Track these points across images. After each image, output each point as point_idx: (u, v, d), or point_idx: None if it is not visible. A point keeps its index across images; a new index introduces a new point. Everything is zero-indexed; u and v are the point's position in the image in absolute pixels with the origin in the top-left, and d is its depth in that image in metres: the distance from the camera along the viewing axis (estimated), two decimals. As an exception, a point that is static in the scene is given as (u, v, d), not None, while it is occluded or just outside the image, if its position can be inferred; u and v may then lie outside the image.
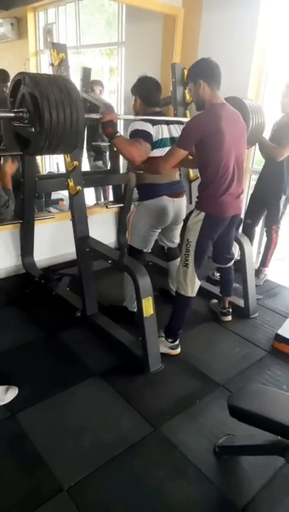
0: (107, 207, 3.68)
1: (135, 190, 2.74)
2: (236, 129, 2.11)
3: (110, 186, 4.16)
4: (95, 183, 4.07)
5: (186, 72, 3.17)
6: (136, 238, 2.59)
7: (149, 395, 2.10)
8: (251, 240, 3.38)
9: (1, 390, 1.97)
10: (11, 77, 1.98)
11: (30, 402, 1.98)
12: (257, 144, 3.04)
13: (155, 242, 2.72)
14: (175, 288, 2.77)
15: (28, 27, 5.50)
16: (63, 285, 3.06)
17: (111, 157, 3.85)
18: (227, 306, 2.82)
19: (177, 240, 2.82)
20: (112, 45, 5.23)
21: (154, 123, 2.31)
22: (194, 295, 2.31)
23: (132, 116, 2.41)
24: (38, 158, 4.73)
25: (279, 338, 2.54)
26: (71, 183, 2.48)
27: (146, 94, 2.40)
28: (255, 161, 3.59)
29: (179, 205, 2.60)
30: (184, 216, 2.62)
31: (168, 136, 2.40)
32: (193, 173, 3.37)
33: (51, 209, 4.38)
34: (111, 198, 4.07)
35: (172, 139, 2.40)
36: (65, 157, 2.46)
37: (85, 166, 4.29)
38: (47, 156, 5.57)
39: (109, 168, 3.92)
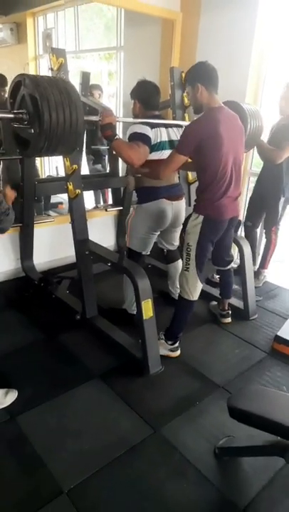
0: (106, 210, 3.70)
1: (134, 193, 2.75)
2: (234, 131, 2.13)
3: (110, 189, 4.18)
4: (95, 187, 4.09)
5: (183, 76, 3.20)
6: (135, 241, 2.60)
7: (149, 397, 2.10)
8: (254, 242, 3.38)
9: (1, 393, 1.97)
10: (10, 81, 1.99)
11: (30, 405, 1.98)
12: (255, 147, 3.06)
13: (154, 245, 2.73)
14: (175, 290, 2.79)
15: (27, 32, 5.53)
16: (63, 288, 3.07)
17: (110, 160, 3.87)
18: (227, 308, 2.83)
19: (176, 243, 2.83)
20: (110, 49, 5.26)
21: (152, 126, 2.33)
22: (196, 299, 2.32)
23: (130, 119, 2.43)
24: (38, 161, 4.75)
25: (279, 339, 2.55)
26: (70, 187, 2.50)
27: (146, 97, 2.42)
28: (253, 163, 3.60)
29: (178, 208, 2.61)
30: (182, 219, 2.63)
31: (166, 139, 2.42)
32: (192, 175, 3.38)
33: (50, 212, 4.39)
34: (110, 201, 4.09)
35: (171, 142, 2.42)
36: (64, 161, 2.47)
37: (84, 169, 4.30)
38: (46, 160, 5.60)
39: (108, 171, 3.94)
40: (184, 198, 2.69)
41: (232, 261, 2.66)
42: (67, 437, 1.83)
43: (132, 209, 2.69)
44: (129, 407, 2.02)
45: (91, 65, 6.04)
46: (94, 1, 3.97)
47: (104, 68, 6.12)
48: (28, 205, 3.00)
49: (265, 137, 3.01)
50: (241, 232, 3.37)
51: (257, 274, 3.32)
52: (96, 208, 4.25)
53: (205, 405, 2.07)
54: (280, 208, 3.20)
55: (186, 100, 3.24)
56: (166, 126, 2.45)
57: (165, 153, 2.31)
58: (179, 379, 2.25)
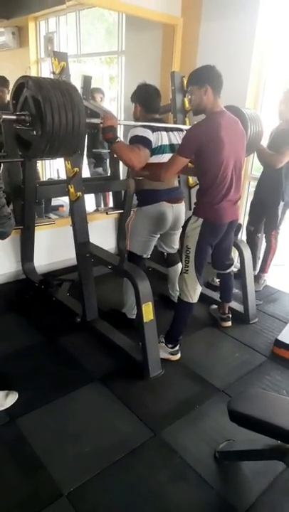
0: (107, 213, 3.71)
1: (135, 196, 2.76)
2: (235, 136, 2.14)
3: (110, 192, 4.19)
4: (96, 190, 4.10)
5: (185, 81, 3.22)
6: (135, 244, 2.60)
7: (149, 400, 2.10)
8: (255, 246, 3.39)
9: (1, 395, 1.97)
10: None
11: (30, 407, 1.98)
12: (255, 152, 3.07)
13: (154, 248, 2.74)
14: (175, 294, 2.79)
15: (29, 36, 5.57)
16: (63, 291, 3.07)
17: (111, 164, 3.88)
18: (227, 312, 2.83)
19: (176, 246, 2.84)
20: (112, 53, 5.29)
21: (153, 129, 2.34)
22: (196, 301, 2.32)
23: (132, 122, 2.44)
24: (39, 164, 4.76)
25: (279, 343, 2.55)
26: (72, 189, 2.51)
27: (146, 100, 2.43)
28: (254, 167, 3.62)
29: (178, 211, 2.62)
30: (182, 222, 2.63)
31: (167, 143, 2.43)
32: (192, 179, 3.39)
33: (51, 215, 4.40)
34: (111, 204, 4.10)
35: (171, 146, 2.43)
36: (65, 163, 2.48)
37: (85, 172, 4.32)
38: (47, 163, 5.61)
39: (109, 174, 3.95)
40: (183, 201, 2.70)
41: (232, 264, 2.66)
42: (67, 440, 1.83)
43: (132, 212, 2.70)
44: (129, 410, 2.02)
45: (92, 69, 6.07)
46: (95, 5, 4.00)
47: (105, 72, 6.15)
48: (29, 208, 3.00)
49: (264, 142, 3.02)
50: (242, 236, 3.38)
51: (257, 278, 3.33)
52: (97, 211, 4.26)
53: (205, 409, 2.06)
54: (280, 212, 3.21)
55: (186, 104, 3.26)
56: (167, 129, 2.46)
57: (166, 157, 2.32)
58: (179, 382, 2.25)
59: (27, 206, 2.98)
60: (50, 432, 1.86)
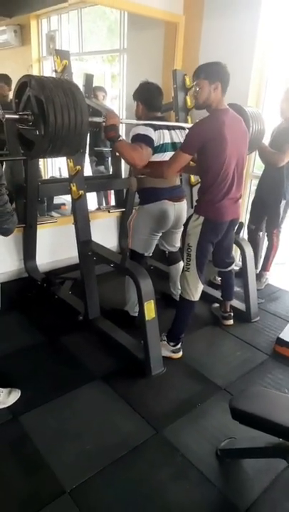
0: (109, 211, 3.71)
1: (137, 195, 2.76)
2: (238, 134, 2.14)
3: (112, 191, 4.19)
4: (97, 188, 4.10)
5: (187, 79, 3.21)
6: (137, 242, 2.60)
7: (151, 398, 2.10)
8: (257, 245, 3.38)
9: (4, 393, 1.98)
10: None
11: (32, 405, 1.99)
12: (257, 150, 3.06)
13: (156, 247, 2.74)
14: (176, 292, 2.79)
15: (31, 34, 5.57)
16: (65, 289, 3.08)
17: (113, 162, 3.88)
18: (228, 310, 2.83)
19: (178, 244, 2.84)
20: (113, 51, 5.28)
21: (155, 128, 2.34)
22: (197, 299, 2.32)
23: (134, 121, 2.44)
24: (41, 162, 4.76)
25: (280, 341, 2.55)
26: (74, 188, 2.51)
27: (148, 98, 2.43)
28: (256, 166, 3.61)
29: (180, 209, 2.62)
30: (184, 220, 2.64)
31: (169, 141, 2.43)
32: (194, 177, 3.39)
33: (53, 213, 4.41)
34: (113, 202, 4.10)
35: (173, 144, 2.43)
36: (67, 162, 2.48)
37: (87, 171, 4.32)
38: (49, 161, 5.61)
39: (111, 173, 3.95)
40: (185, 199, 2.70)
41: (233, 262, 2.67)
42: (70, 437, 1.83)
43: (134, 210, 2.70)
44: (131, 408, 2.02)
45: (94, 68, 6.06)
46: (98, 3, 3.99)
47: (107, 71, 6.14)
48: (31, 206, 3.01)
49: (266, 140, 3.02)
50: (243, 234, 3.37)
51: (259, 277, 3.32)
52: (99, 209, 4.26)
53: (207, 407, 2.07)
54: (281, 211, 3.20)
55: (188, 102, 3.26)
56: (169, 128, 2.46)
57: (167, 155, 2.32)
58: (181, 380, 2.26)
59: (29, 204, 2.99)
60: (53, 430, 1.87)
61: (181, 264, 2.61)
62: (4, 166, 3.16)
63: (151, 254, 2.73)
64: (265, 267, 3.39)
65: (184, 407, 2.06)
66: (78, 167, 2.47)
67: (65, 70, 2.33)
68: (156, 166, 2.31)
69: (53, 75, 2.41)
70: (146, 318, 2.21)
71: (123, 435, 1.87)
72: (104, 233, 3.61)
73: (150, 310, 2.22)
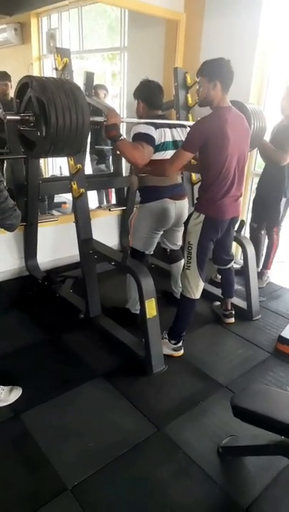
0: (110, 210, 3.71)
1: (137, 193, 2.76)
2: (240, 132, 2.13)
3: (113, 189, 4.19)
4: (98, 186, 4.10)
5: (188, 77, 3.21)
6: (138, 240, 2.60)
7: (152, 396, 2.11)
8: (259, 243, 3.38)
9: (6, 391, 1.98)
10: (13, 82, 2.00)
11: (34, 403, 1.99)
12: (258, 148, 3.06)
13: (157, 245, 2.74)
14: (178, 290, 2.79)
15: (31, 32, 5.55)
16: (66, 287, 3.08)
17: (114, 160, 3.88)
18: (230, 308, 2.83)
19: (179, 242, 2.84)
20: (114, 49, 5.27)
21: (156, 126, 2.33)
22: (198, 297, 2.32)
23: (135, 120, 2.43)
24: (41, 161, 4.75)
25: (282, 339, 2.55)
26: (75, 186, 2.51)
27: (149, 96, 2.43)
28: (257, 164, 3.61)
29: (181, 208, 2.62)
30: (185, 218, 2.63)
31: (170, 139, 2.42)
32: (195, 176, 3.39)
33: (54, 212, 4.40)
34: (114, 201, 4.09)
35: (175, 143, 2.42)
36: (68, 160, 2.48)
37: (88, 169, 4.31)
38: (50, 159, 5.60)
39: (112, 171, 3.95)
40: (186, 198, 2.69)
41: (232, 260, 2.67)
42: (71, 435, 1.84)
43: (135, 209, 2.70)
44: (132, 405, 2.03)
45: (94, 66, 6.05)
46: (98, 1, 3.98)
47: (107, 69, 6.13)
48: (32, 205, 3.01)
49: (266, 138, 3.01)
50: (245, 232, 3.37)
51: (260, 275, 3.32)
52: (100, 208, 4.26)
53: (208, 405, 2.07)
54: (282, 209, 3.20)
55: (189, 100, 3.25)
56: (170, 126, 2.46)
57: (169, 154, 2.32)
58: (182, 378, 2.26)
59: (30, 203, 2.99)
60: (54, 427, 1.87)
61: (183, 262, 2.61)
62: (5, 164, 3.17)
63: (152, 253, 2.73)
64: (266, 265, 3.39)
65: (186, 404, 2.06)
66: (79, 165, 2.47)
67: (65, 68, 2.33)
68: (157, 165, 2.30)
69: (54, 73, 2.41)
70: (148, 316, 2.21)
71: (124, 433, 1.87)
72: (105, 231, 3.61)
73: (151, 308, 2.22)
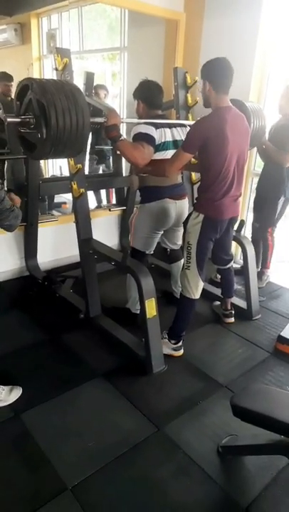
0: (110, 210, 3.71)
1: (138, 193, 2.76)
2: (240, 132, 2.13)
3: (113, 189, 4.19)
4: (98, 186, 4.11)
5: (188, 76, 3.21)
6: (138, 240, 2.61)
7: (152, 396, 2.11)
8: (260, 243, 3.38)
9: (6, 391, 1.99)
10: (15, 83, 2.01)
11: (34, 403, 1.99)
12: (258, 148, 3.06)
13: (157, 244, 2.74)
14: (178, 290, 2.79)
15: (31, 32, 5.55)
16: (67, 287, 3.09)
17: (114, 160, 3.88)
18: (229, 308, 2.83)
19: (180, 242, 2.84)
20: (114, 50, 5.27)
21: (157, 126, 2.33)
22: (198, 297, 2.33)
23: (135, 120, 2.43)
24: (41, 161, 4.76)
25: (282, 339, 2.55)
26: (75, 186, 2.51)
27: (149, 96, 2.43)
28: (257, 164, 3.61)
29: (181, 207, 2.62)
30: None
31: (171, 139, 2.42)
32: (195, 175, 3.39)
33: (54, 212, 4.41)
34: (114, 201, 4.10)
35: (175, 142, 2.42)
36: (68, 160, 2.48)
37: (86, 169, 4.31)
38: (50, 160, 5.61)
39: (112, 171, 3.95)
40: (187, 198, 2.70)
41: (231, 260, 2.67)
42: (71, 435, 1.84)
43: (135, 209, 2.70)
44: (132, 405, 2.03)
45: (95, 66, 6.05)
46: (98, 1, 3.98)
47: (107, 69, 6.13)
48: (32, 205, 3.01)
49: (266, 137, 3.01)
50: (244, 232, 3.37)
51: (260, 275, 3.32)
52: (99, 207, 4.26)
53: (208, 404, 2.07)
54: (279, 208, 3.19)
55: (189, 100, 3.25)
56: (171, 126, 2.46)
57: (169, 153, 2.32)
58: (182, 378, 2.26)
59: (30, 203, 2.99)
60: (54, 427, 1.88)
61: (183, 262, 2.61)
62: (6, 164, 3.17)
63: (152, 252, 2.73)
64: (265, 265, 3.39)
65: (185, 404, 2.06)
66: (79, 165, 2.47)
67: (65, 68, 2.33)
68: (157, 165, 2.31)
69: (54, 73, 2.41)
70: (148, 316, 2.21)
71: (124, 432, 1.87)
72: (105, 231, 3.62)
73: (151, 308, 2.22)
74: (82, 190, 2.52)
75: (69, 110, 1.81)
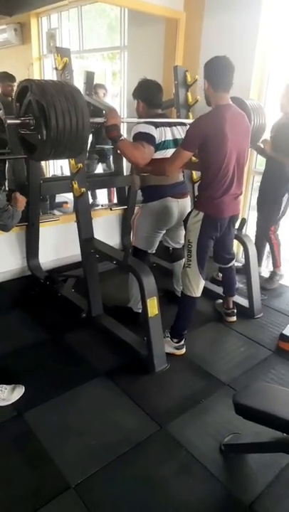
0: (111, 209, 3.71)
1: (139, 192, 2.76)
2: (240, 130, 2.13)
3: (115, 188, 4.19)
4: (99, 186, 4.11)
5: (188, 75, 3.20)
6: (140, 239, 2.61)
7: (154, 394, 2.11)
8: (268, 242, 3.37)
9: (8, 389, 1.99)
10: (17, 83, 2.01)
11: (36, 402, 2.00)
12: (257, 147, 3.06)
13: (160, 243, 2.74)
14: (180, 289, 2.79)
15: (31, 32, 5.56)
16: (68, 286, 3.09)
17: (114, 160, 3.88)
18: (231, 307, 2.83)
19: (182, 241, 2.84)
20: (114, 49, 5.27)
21: (157, 125, 2.33)
22: (199, 295, 2.33)
23: (135, 120, 2.43)
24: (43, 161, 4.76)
25: (284, 337, 2.55)
26: (76, 185, 2.51)
27: (148, 96, 2.43)
28: (258, 162, 3.60)
29: (183, 206, 2.62)
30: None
31: (171, 138, 2.42)
32: (196, 174, 3.38)
33: (55, 212, 4.41)
34: (115, 200, 4.10)
35: (175, 141, 2.42)
36: (69, 160, 2.48)
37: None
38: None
39: (112, 170, 3.95)
40: (188, 196, 2.69)
41: (233, 259, 2.67)
42: (74, 433, 1.85)
43: (137, 208, 2.70)
44: (134, 404, 2.03)
45: (94, 65, 6.05)
46: (98, 0, 3.98)
47: (107, 68, 6.13)
48: (33, 204, 3.02)
49: (267, 136, 3.01)
50: (246, 230, 3.37)
51: (272, 275, 3.32)
52: (97, 206, 4.27)
53: (210, 403, 2.08)
54: (283, 205, 3.19)
55: (189, 99, 3.25)
56: (171, 124, 2.46)
57: (169, 152, 2.32)
58: (185, 376, 2.27)
59: (31, 203, 2.99)
60: (57, 426, 1.88)
61: (184, 260, 2.61)
62: (7, 164, 3.17)
63: (154, 252, 2.73)
64: (275, 264, 3.36)
65: (188, 403, 2.06)
66: (80, 165, 2.47)
67: (65, 67, 2.33)
68: (158, 164, 2.31)
69: (54, 72, 2.41)
70: (149, 315, 2.21)
71: (127, 431, 1.88)
72: (107, 231, 3.62)
73: (153, 307, 2.22)
74: (83, 189, 2.52)
75: (69, 111, 1.81)
